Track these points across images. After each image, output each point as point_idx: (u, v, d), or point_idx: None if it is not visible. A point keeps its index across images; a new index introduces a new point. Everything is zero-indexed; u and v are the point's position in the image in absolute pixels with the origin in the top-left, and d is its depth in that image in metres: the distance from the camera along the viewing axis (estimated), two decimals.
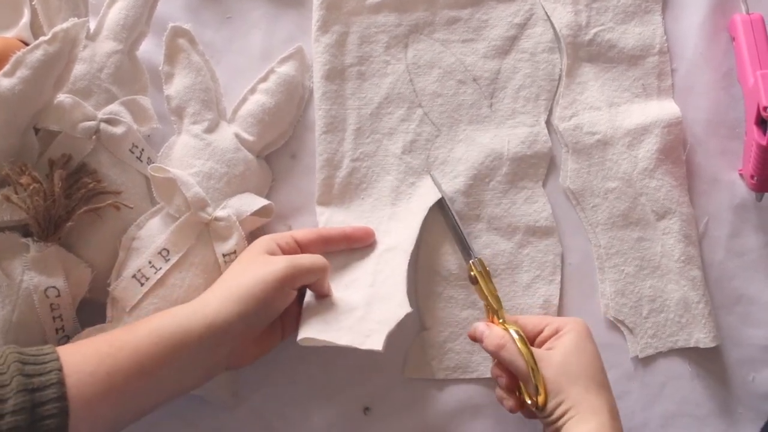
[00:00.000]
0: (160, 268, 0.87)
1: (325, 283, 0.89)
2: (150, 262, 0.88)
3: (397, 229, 0.95)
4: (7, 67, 0.82)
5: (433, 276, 0.97)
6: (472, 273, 0.91)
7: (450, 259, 0.97)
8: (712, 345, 0.96)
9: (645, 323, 0.97)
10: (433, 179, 0.99)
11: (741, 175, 1.02)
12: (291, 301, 0.85)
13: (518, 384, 0.86)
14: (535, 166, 1.01)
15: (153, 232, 0.90)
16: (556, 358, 0.83)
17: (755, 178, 0.97)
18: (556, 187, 1.01)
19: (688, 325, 0.97)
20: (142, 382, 0.75)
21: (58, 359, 0.72)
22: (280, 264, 0.83)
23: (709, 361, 0.98)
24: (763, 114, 0.93)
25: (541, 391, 0.81)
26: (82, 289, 0.87)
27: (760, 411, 0.97)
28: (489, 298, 0.90)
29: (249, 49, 1.02)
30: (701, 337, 0.96)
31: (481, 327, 0.89)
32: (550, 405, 0.81)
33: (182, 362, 0.77)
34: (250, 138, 0.95)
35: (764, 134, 0.93)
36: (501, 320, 0.88)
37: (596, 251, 0.99)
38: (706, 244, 1.00)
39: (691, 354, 0.98)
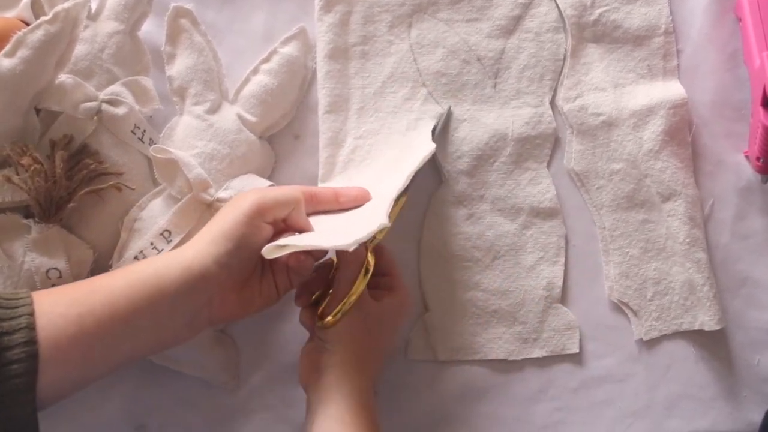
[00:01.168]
0: (162, 250, 0.87)
1: (301, 218, 0.85)
2: (152, 244, 0.87)
3: (391, 178, 0.92)
4: (7, 48, 0.82)
5: (436, 258, 0.97)
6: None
7: (453, 240, 0.97)
8: (717, 328, 0.95)
9: (649, 306, 0.97)
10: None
11: (746, 157, 1.01)
12: (265, 238, 0.81)
13: (322, 288, 0.89)
14: (540, 147, 1.00)
15: (155, 214, 0.90)
16: (374, 310, 0.85)
17: (761, 160, 0.97)
18: (560, 169, 1.01)
19: (693, 308, 0.97)
20: (115, 326, 0.73)
21: (30, 303, 0.71)
22: (248, 198, 0.81)
23: (713, 344, 0.98)
24: None
25: (336, 317, 0.83)
26: (83, 270, 0.87)
27: (765, 394, 0.97)
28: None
29: (251, 29, 1.02)
30: (706, 319, 0.95)
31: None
32: (337, 338, 0.83)
33: (158, 309, 0.76)
34: (252, 119, 0.95)
35: None
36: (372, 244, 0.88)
37: (601, 233, 0.99)
38: (711, 227, 1.00)
39: (696, 337, 0.97)
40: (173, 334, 0.80)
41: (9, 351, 0.68)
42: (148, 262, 0.79)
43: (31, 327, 0.69)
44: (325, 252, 0.90)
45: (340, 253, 0.86)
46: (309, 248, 0.78)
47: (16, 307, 0.70)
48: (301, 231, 0.85)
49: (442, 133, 0.98)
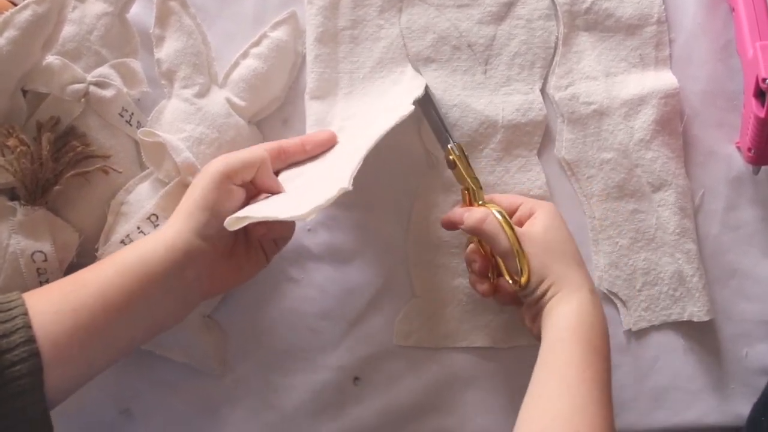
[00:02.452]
0: (149, 234, 0.86)
1: (269, 176, 0.85)
2: (138, 228, 0.87)
3: (363, 129, 0.91)
4: None
5: (425, 243, 0.97)
6: (450, 157, 0.91)
7: (441, 227, 0.96)
8: (706, 319, 0.95)
9: (638, 296, 0.97)
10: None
11: (738, 147, 1.01)
12: (239, 202, 0.82)
13: (491, 268, 0.89)
14: (530, 135, 0.99)
15: (142, 197, 0.89)
16: (538, 236, 0.84)
17: (752, 151, 0.96)
18: (550, 158, 1.00)
19: (682, 299, 0.96)
20: (110, 316, 0.73)
21: (23, 304, 0.71)
22: (213, 165, 0.81)
23: (702, 336, 0.98)
24: (762, 86, 0.91)
25: (525, 269, 0.82)
26: (69, 253, 0.87)
27: (753, 386, 0.97)
28: (469, 180, 0.90)
29: (241, 13, 1.01)
30: (695, 310, 0.95)
31: (459, 209, 0.89)
32: (533, 283, 0.82)
33: (149, 292, 0.76)
34: (241, 103, 0.94)
35: (763, 106, 0.92)
36: (480, 202, 0.89)
37: (590, 223, 0.99)
38: (702, 217, 1.00)
39: (685, 328, 0.97)
40: (168, 315, 0.80)
41: (10, 353, 0.67)
42: (133, 248, 0.78)
43: (28, 326, 0.69)
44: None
45: (470, 228, 0.86)
46: (267, 219, 0.76)
47: (10, 309, 0.70)
48: (269, 191, 0.85)
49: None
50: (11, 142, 0.82)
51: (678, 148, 0.99)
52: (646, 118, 0.98)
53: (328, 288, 0.96)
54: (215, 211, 0.79)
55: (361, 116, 0.96)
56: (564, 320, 0.79)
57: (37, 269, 0.83)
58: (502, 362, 0.95)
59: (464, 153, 0.91)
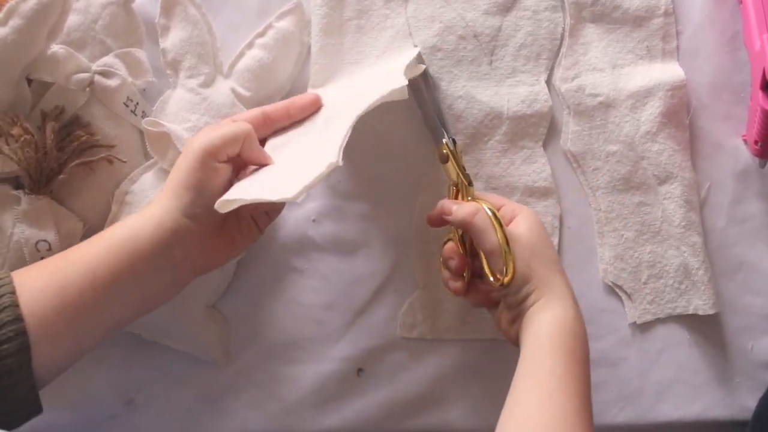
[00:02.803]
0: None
1: (254, 150, 0.83)
2: None
3: (353, 99, 0.88)
4: None
5: (429, 236, 0.96)
6: (444, 152, 0.90)
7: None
8: (711, 312, 0.95)
9: (644, 289, 0.96)
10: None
11: (745, 140, 1.00)
12: (225, 178, 0.80)
13: (467, 267, 0.88)
14: (535, 126, 0.99)
15: (146, 187, 0.89)
16: (523, 237, 0.82)
17: (759, 144, 0.96)
18: (556, 150, 1.00)
19: (688, 292, 0.96)
20: (98, 294, 0.73)
21: (11, 282, 0.71)
22: (196, 142, 0.79)
23: (707, 329, 0.97)
24: None
25: (511, 267, 0.81)
26: (73, 243, 0.85)
27: (759, 380, 0.96)
28: (461, 175, 0.88)
29: (247, 3, 1.00)
30: (700, 304, 0.95)
31: (449, 202, 0.88)
32: (516, 284, 0.81)
33: (138, 270, 0.75)
34: (246, 93, 0.94)
35: None
36: (469, 198, 0.88)
37: (596, 215, 0.98)
38: (708, 211, 0.99)
39: (690, 321, 0.97)
40: (158, 293, 0.80)
41: None
42: (122, 225, 0.77)
43: (15, 305, 0.69)
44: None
45: (459, 221, 0.85)
46: (256, 202, 0.74)
47: None
48: (257, 164, 0.83)
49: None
50: (16, 131, 0.82)
51: (684, 141, 0.99)
52: (652, 110, 0.98)
53: (333, 279, 0.96)
54: (200, 190, 0.78)
55: (351, 84, 0.95)
56: (546, 328, 0.79)
57: (41, 258, 0.83)
58: (505, 354, 0.95)
59: (457, 148, 0.90)
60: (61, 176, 0.85)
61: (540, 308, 0.80)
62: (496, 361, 0.95)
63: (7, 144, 0.83)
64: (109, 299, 0.74)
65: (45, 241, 0.83)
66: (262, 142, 0.87)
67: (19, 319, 0.68)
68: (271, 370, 0.94)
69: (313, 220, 0.96)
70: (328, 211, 0.96)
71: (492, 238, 0.81)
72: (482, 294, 0.89)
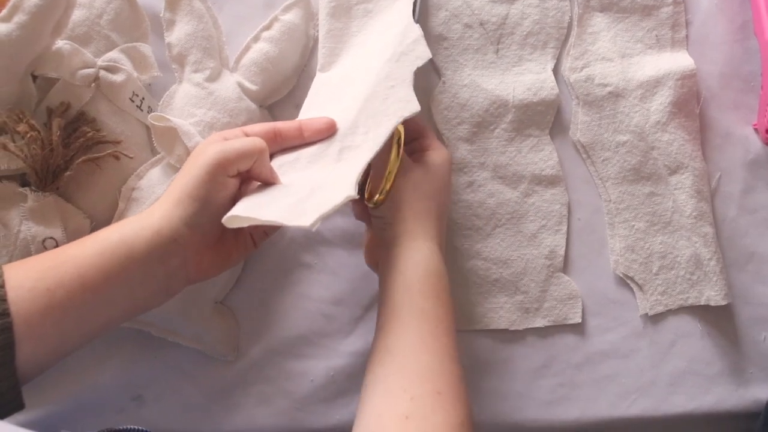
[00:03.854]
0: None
1: (265, 167, 0.81)
2: None
3: (365, 121, 0.85)
4: (4, 12, 0.81)
5: None
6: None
7: (453, 208, 0.96)
8: (723, 303, 0.95)
9: (655, 280, 0.96)
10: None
11: (755, 129, 1.00)
12: (231, 192, 0.79)
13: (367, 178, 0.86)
14: (542, 114, 0.99)
15: (153, 183, 0.89)
16: (417, 171, 0.83)
17: None
18: (566, 140, 1.00)
19: (699, 283, 0.96)
20: (86, 297, 0.72)
21: (1, 275, 0.70)
22: (208, 153, 0.77)
23: (719, 320, 0.97)
24: None
25: (385, 190, 0.81)
26: None
27: None
28: None
29: None
30: (712, 294, 0.95)
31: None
32: (387, 211, 0.82)
33: (129, 276, 0.74)
34: (253, 87, 0.94)
35: None
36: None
37: (606, 206, 0.98)
38: (719, 201, 0.99)
39: (702, 312, 0.97)
40: (149, 299, 0.78)
41: None
42: (117, 228, 0.76)
43: (3, 299, 0.68)
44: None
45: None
46: (268, 224, 0.73)
47: None
48: (265, 181, 0.81)
49: (441, 97, 0.95)
50: (21, 127, 0.81)
51: (695, 131, 0.99)
52: (662, 99, 0.97)
53: (342, 274, 0.95)
54: (206, 202, 0.77)
55: (356, 66, 0.93)
56: (412, 270, 0.79)
57: None
58: (518, 349, 0.95)
59: None
60: (68, 173, 0.84)
61: (406, 246, 0.80)
62: (507, 354, 0.95)
63: (13, 141, 0.83)
64: (98, 303, 0.73)
65: (52, 238, 0.83)
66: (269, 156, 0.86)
67: (5, 314, 0.68)
68: (280, 365, 0.94)
69: None
70: None
71: (384, 155, 0.81)
72: (364, 208, 0.87)
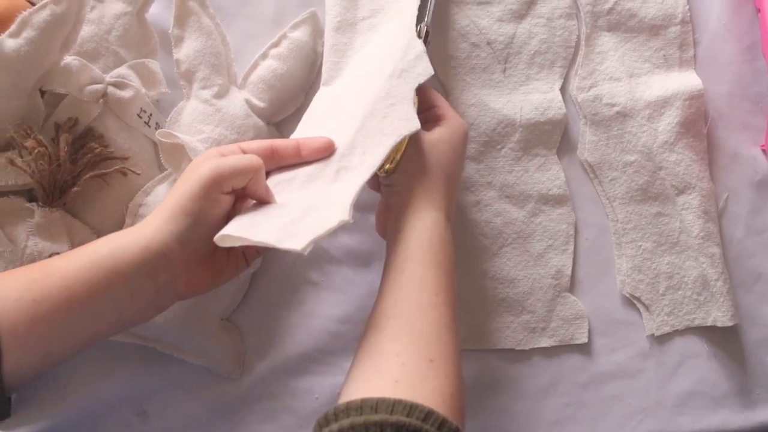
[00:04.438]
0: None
1: (260, 185, 0.79)
2: None
3: (363, 141, 0.84)
4: (12, 28, 0.81)
5: None
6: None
7: (460, 228, 0.96)
8: (730, 324, 0.95)
9: (662, 300, 0.96)
10: None
11: (763, 150, 1.00)
12: (225, 209, 0.78)
13: None
14: (549, 134, 0.99)
15: (160, 199, 0.89)
16: (427, 143, 0.83)
17: None
18: (573, 160, 1.00)
19: (706, 303, 0.95)
20: (73, 310, 0.71)
21: None
22: (203, 169, 0.76)
23: (726, 341, 0.97)
24: None
25: (396, 159, 0.81)
26: None
27: None
28: None
29: (261, 13, 1.00)
30: (719, 315, 0.94)
31: None
32: (398, 178, 0.82)
33: (117, 290, 0.73)
34: (260, 104, 0.94)
35: None
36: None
37: (613, 226, 0.98)
38: (726, 221, 0.99)
39: (708, 333, 0.97)
40: (137, 314, 0.77)
41: None
42: (106, 242, 0.75)
43: None
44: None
45: None
46: (260, 245, 0.72)
47: None
48: (260, 200, 0.80)
49: None
50: (29, 143, 0.81)
51: (702, 151, 0.99)
52: (670, 120, 0.97)
53: (348, 291, 0.95)
54: (198, 219, 0.76)
55: (359, 79, 0.93)
56: (416, 238, 0.79)
57: None
58: (524, 369, 0.95)
59: (427, 38, 0.89)
60: (75, 188, 0.84)
61: (411, 214, 0.80)
62: (513, 374, 0.95)
63: (21, 156, 0.83)
64: (85, 316, 0.72)
65: (58, 254, 0.82)
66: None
67: None
68: (285, 382, 0.94)
69: None
70: None
71: None
72: (375, 177, 0.87)
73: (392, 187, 0.83)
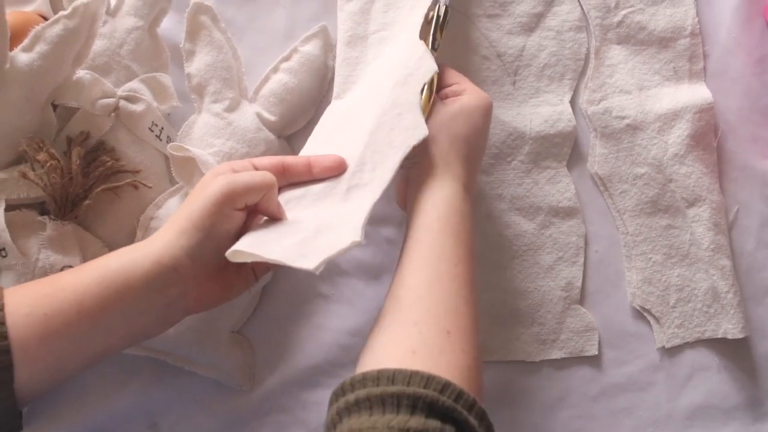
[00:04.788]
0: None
1: (273, 202, 0.79)
2: None
3: (372, 156, 0.84)
4: (25, 42, 0.82)
5: None
6: (431, 13, 0.90)
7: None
8: (741, 336, 0.94)
9: (672, 313, 0.96)
10: None
11: None
12: (237, 225, 0.78)
13: None
14: (559, 146, 0.99)
15: (171, 212, 0.89)
16: (448, 112, 0.84)
17: None
18: (583, 172, 1.00)
19: (716, 316, 0.95)
20: (83, 325, 0.71)
21: (1, 298, 0.70)
22: (216, 185, 0.76)
23: (736, 353, 0.96)
24: None
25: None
26: None
27: None
28: (429, 39, 0.90)
29: (272, 27, 1.01)
30: (729, 328, 0.94)
31: None
32: (417, 149, 0.82)
33: (128, 305, 0.73)
34: (271, 118, 0.94)
35: None
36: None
37: (624, 238, 0.98)
38: (736, 234, 0.99)
39: (719, 345, 0.96)
40: (148, 328, 0.78)
41: None
42: (117, 256, 0.75)
43: (2, 322, 0.68)
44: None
45: None
46: (272, 261, 0.71)
47: None
48: (272, 216, 0.80)
49: None
50: (41, 156, 0.82)
51: (712, 164, 0.99)
52: (680, 132, 0.97)
53: (358, 304, 0.95)
54: (210, 234, 0.75)
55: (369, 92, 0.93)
56: (434, 209, 0.79)
57: None
58: (534, 381, 0.95)
59: (446, 18, 0.91)
60: (87, 202, 0.85)
61: (430, 184, 0.81)
62: (523, 386, 0.95)
63: (33, 169, 0.83)
64: (96, 331, 0.72)
65: (70, 267, 0.83)
66: None
67: (3, 336, 0.68)
68: (296, 395, 0.94)
69: None
70: None
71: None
72: None
73: (411, 159, 0.82)
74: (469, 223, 0.81)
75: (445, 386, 0.64)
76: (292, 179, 0.85)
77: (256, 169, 0.81)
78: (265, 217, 0.81)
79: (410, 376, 0.64)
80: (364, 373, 0.65)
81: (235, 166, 0.81)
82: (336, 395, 0.66)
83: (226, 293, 0.82)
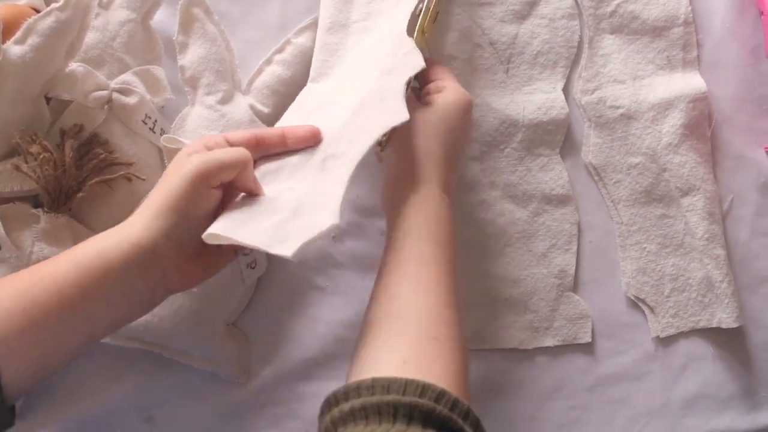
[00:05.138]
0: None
1: (249, 178, 0.78)
2: None
3: (350, 133, 0.82)
4: (18, 34, 0.82)
5: None
6: (419, 6, 0.90)
7: (463, 228, 0.96)
8: (735, 326, 0.94)
9: (666, 302, 0.96)
10: None
11: (767, 152, 0.99)
12: (214, 204, 0.77)
13: None
14: (552, 133, 0.99)
15: None
16: (421, 110, 0.84)
17: None
18: (577, 162, 1.00)
19: (711, 305, 0.95)
20: (64, 314, 0.70)
21: None
22: (191, 164, 0.74)
23: (731, 342, 0.96)
24: None
25: (385, 136, 0.83)
26: None
27: None
28: (418, 30, 0.90)
29: (265, 19, 1.00)
30: (724, 317, 0.94)
31: None
32: (392, 151, 0.83)
33: (108, 291, 0.72)
34: (265, 110, 0.94)
35: None
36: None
37: (618, 228, 0.98)
38: (731, 223, 0.99)
39: (714, 335, 0.96)
40: (130, 312, 0.77)
41: None
42: (94, 242, 0.74)
43: None
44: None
45: None
46: (249, 246, 0.71)
47: None
48: (249, 192, 0.79)
49: None
50: (34, 149, 0.82)
51: (706, 153, 0.98)
52: (674, 122, 0.97)
53: (354, 295, 0.95)
54: (187, 214, 0.74)
55: (348, 80, 0.92)
56: (413, 214, 0.79)
57: None
58: (528, 371, 0.95)
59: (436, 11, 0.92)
60: (80, 194, 0.85)
61: (406, 188, 0.81)
62: (518, 376, 0.95)
63: (26, 162, 0.83)
64: (77, 319, 0.71)
65: None
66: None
67: None
68: (291, 387, 0.94)
69: (333, 237, 0.96)
70: (348, 228, 0.96)
71: None
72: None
73: (387, 162, 0.83)
74: (446, 225, 0.80)
75: (440, 395, 0.63)
76: (267, 151, 0.83)
77: (230, 144, 0.80)
78: (243, 194, 0.80)
79: (405, 385, 0.63)
80: (358, 382, 0.65)
81: (208, 142, 0.80)
82: (329, 404, 0.66)
83: (207, 271, 0.82)
